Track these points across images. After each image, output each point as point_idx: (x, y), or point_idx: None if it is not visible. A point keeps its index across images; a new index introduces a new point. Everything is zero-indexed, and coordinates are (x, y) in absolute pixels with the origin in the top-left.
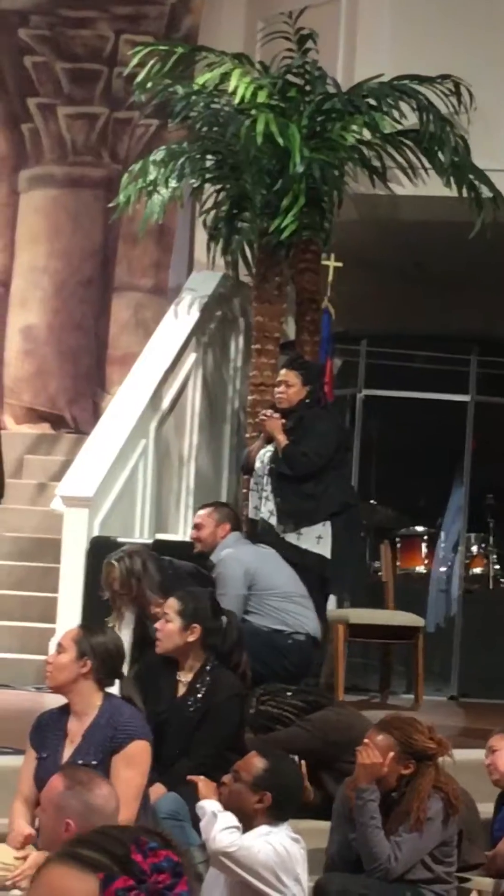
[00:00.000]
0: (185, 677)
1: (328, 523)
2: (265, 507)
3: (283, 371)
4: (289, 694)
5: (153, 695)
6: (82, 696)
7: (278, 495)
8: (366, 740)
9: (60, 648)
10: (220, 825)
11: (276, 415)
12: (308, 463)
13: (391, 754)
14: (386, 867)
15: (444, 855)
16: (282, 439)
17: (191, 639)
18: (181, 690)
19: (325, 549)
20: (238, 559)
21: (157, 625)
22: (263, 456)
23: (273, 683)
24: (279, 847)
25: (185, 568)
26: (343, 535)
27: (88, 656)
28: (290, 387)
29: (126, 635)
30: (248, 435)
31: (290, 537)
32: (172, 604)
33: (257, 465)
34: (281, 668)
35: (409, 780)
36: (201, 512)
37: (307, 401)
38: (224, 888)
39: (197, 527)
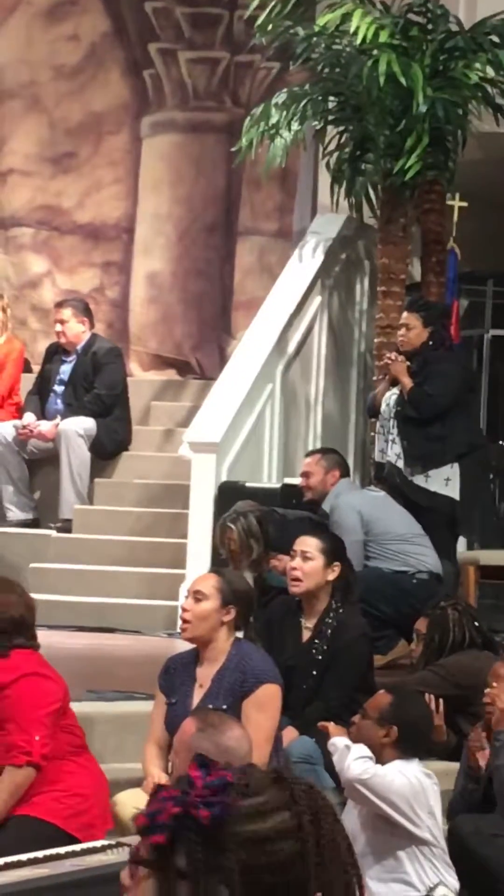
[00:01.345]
0: (309, 622)
1: (456, 465)
2: (392, 450)
3: (404, 314)
4: (476, 623)
5: (278, 643)
6: (217, 643)
7: (405, 438)
8: (493, 682)
9: (200, 596)
10: (353, 755)
11: (401, 357)
12: (434, 404)
13: None
14: None
15: None
16: (407, 382)
17: (331, 577)
18: (306, 636)
19: (453, 491)
20: (352, 506)
21: (295, 564)
22: (389, 399)
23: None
24: (413, 779)
25: (297, 516)
26: (471, 477)
27: (233, 604)
28: (410, 329)
29: None
30: (374, 378)
31: (419, 479)
32: (312, 542)
33: (383, 407)
34: (409, 608)
35: None
36: (308, 459)
37: (430, 343)
38: (357, 823)
39: (305, 475)
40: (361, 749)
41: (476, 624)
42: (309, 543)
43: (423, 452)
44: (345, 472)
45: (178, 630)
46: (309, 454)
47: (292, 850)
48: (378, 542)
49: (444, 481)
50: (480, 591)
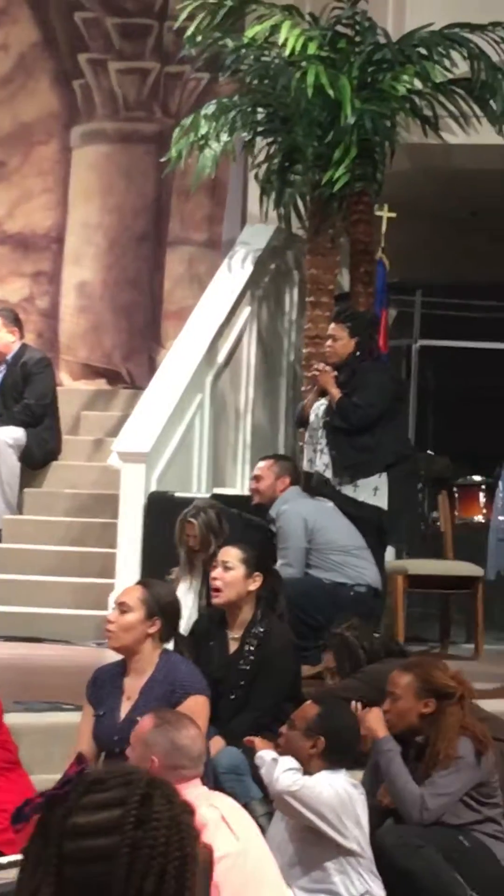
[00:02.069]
0: (235, 633)
1: (384, 475)
2: (320, 460)
3: (331, 325)
4: (376, 636)
5: (205, 655)
6: (143, 655)
7: (333, 448)
8: (389, 688)
9: (125, 607)
10: (280, 767)
11: (328, 368)
12: (362, 414)
13: (410, 692)
14: (419, 812)
15: (485, 796)
16: (335, 392)
17: (252, 587)
18: (232, 647)
19: (381, 501)
20: (299, 513)
21: (216, 573)
22: (318, 409)
23: (367, 621)
24: (340, 790)
25: (253, 521)
26: (399, 486)
27: (158, 615)
28: (337, 340)
29: (185, 594)
30: (303, 388)
31: (347, 489)
32: (233, 552)
33: (311, 417)
34: (343, 620)
35: (433, 720)
36: (261, 464)
37: (357, 353)
38: (285, 834)
39: (256, 479)
40: (289, 761)
41: (377, 635)
42: (230, 554)
43: (352, 463)
44: (295, 480)
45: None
46: (262, 459)
47: (106, 846)
48: (320, 552)
49: (373, 490)
50: (409, 600)
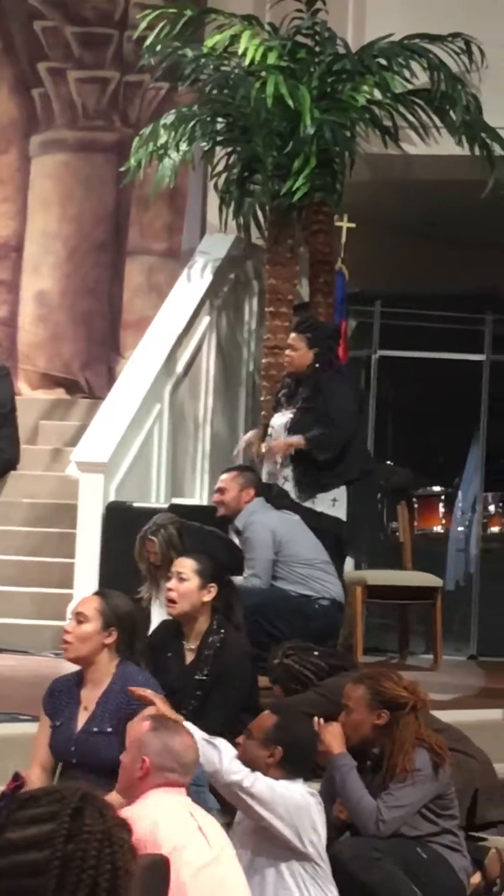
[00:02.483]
0: (191, 644)
1: (343, 486)
2: (281, 473)
3: (291, 335)
4: (315, 654)
5: (162, 666)
6: (100, 665)
7: (296, 467)
8: (344, 700)
9: (82, 618)
10: (225, 756)
11: (274, 440)
12: (335, 438)
13: (363, 704)
14: (376, 825)
15: (443, 808)
16: (296, 442)
17: (206, 598)
18: (189, 658)
19: (340, 511)
20: (267, 524)
21: (171, 584)
22: (275, 422)
23: (302, 641)
24: (297, 795)
25: (214, 532)
26: (358, 498)
27: (114, 626)
28: (296, 350)
29: (159, 612)
30: (262, 398)
31: (306, 500)
32: (188, 563)
33: (269, 431)
34: (307, 632)
35: (387, 732)
36: (225, 476)
37: (317, 364)
38: (242, 838)
39: (220, 491)
40: (227, 746)
41: (317, 653)
42: (185, 564)
43: (314, 480)
44: (259, 492)
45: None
46: (226, 471)
47: (37, 860)
48: (286, 564)
49: (332, 502)
50: (368, 610)
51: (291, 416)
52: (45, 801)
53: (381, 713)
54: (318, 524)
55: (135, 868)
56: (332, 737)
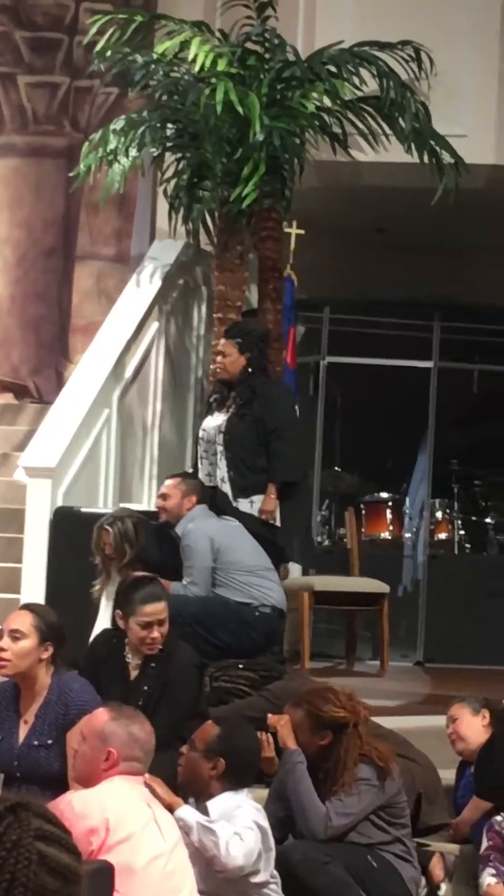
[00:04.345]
0: (135, 658)
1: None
2: (217, 475)
3: (221, 341)
4: (240, 667)
5: (105, 675)
6: (38, 679)
7: (232, 469)
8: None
9: (18, 634)
10: (221, 836)
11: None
12: (291, 452)
13: (305, 727)
14: (324, 829)
15: (393, 816)
16: (273, 506)
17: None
18: (133, 672)
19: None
20: (205, 532)
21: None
22: (207, 425)
23: (224, 660)
24: (255, 832)
25: (172, 533)
26: (291, 501)
27: (49, 640)
28: (227, 356)
29: (109, 602)
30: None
31: (243, 505)
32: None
33: (201, 434)
34: (249, 640)
35: (331, 751)
36: (168, 482)
37: (249, 369)
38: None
39: (163, 497)
40: (224, 827)
41: (241, 665)
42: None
43: (251, 483)
44: (202, 499)
45: None
46: (169, 477)
47: None
48: (225, 571)
49: (249, 502)
50: (315, 616)
51: (225, 418)
52: None
53: (325, 734)
54: (258, 529)
55: (46, 884)
56: (288, 732)
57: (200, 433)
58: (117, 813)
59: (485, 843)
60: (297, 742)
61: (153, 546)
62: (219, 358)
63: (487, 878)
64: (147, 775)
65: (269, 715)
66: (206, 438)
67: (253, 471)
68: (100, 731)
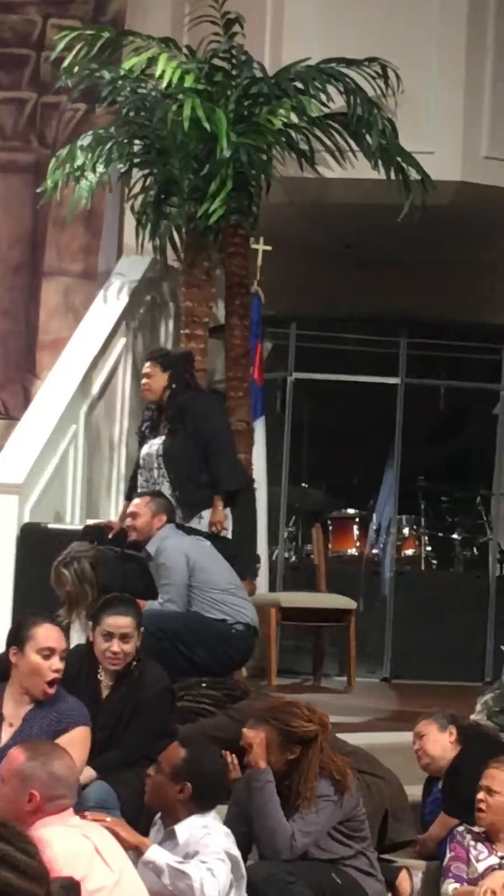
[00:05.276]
0: (108, 678)
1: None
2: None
3: (146, 364)
4: (203, 685)
5: (77, 693)
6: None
7: (176, 489)
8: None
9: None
10: (193, 876)
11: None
12: (227, 462)
13: (274, 744)
14: (290, 849)
15: (354, 829)
16: (221, 518)
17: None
18: (105, 692)
19: (205, 526)
20: (180, 549)
21: (114, 648)
22: (144, 453)
23: (186, 679)
24: (226, 864)
25: (134, 557)
26: (241, 514)
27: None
28: (151, 377)
29: (79, 636)
30: None
31: (193, 522)
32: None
33: (141, 463)
34: (225, 657)
35: (297, 765)
36: (137, 501)
37: (173, 385)
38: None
39: (133, 516)
40: (195, 867)
41: (204, 684)
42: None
43: (197, 499)
44: (171, 518)
45: None
46: (138, 496)
47: None
48: (199, 590)
49: (197, 519)
50: (282, 632)
51: (161, 442)
52: None
53: (294, 749)
54: (218, 545)
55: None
56: (261, 750)
57: (141, 462)
58: (59, 858)
59: (448, 855)
60: (269, 761)
61: (117, 573)
62: (143, 381)
63: (450, 888)
64: (109, 818)
65: (245, 730)
66: (147, 467)
67: (198, 486)
68: (19, 772)
